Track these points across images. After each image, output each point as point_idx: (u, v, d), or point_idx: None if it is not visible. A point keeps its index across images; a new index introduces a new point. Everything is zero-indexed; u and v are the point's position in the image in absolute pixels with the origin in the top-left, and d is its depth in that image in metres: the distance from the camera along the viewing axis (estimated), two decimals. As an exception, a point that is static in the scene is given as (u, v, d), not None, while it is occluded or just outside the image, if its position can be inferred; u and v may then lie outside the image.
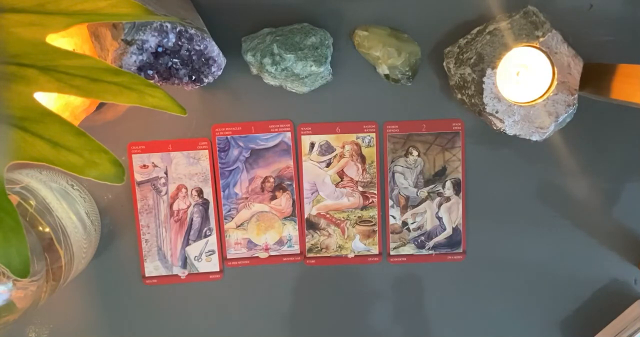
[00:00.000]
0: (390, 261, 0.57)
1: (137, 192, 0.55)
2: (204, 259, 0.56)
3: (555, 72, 0.49)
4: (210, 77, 0.45)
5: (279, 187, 0.56)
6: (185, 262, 0.56)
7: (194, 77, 0.45)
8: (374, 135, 0.56)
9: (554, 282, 0.58)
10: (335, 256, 0.57)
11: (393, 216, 0.57)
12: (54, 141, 0.32)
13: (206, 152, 0.55)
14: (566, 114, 0.49)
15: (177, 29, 0.42)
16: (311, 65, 0.49)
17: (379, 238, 0.57)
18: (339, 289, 0.58)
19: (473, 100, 0.50)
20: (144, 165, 0.55)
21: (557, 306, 0.58)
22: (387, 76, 0.53)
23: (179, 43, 0.42)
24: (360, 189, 0.56)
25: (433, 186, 0.56)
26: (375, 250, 0.57)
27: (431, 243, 0.57)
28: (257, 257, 0.57)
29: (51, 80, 0.32)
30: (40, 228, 0.45)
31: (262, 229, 0.57)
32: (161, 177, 0.55)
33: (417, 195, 0.57)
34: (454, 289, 0.58)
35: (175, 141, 0.55)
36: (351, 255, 0.57)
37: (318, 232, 0.57)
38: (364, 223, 0.57)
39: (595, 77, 0.49)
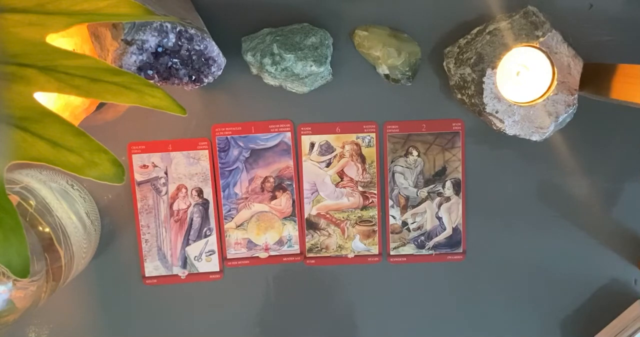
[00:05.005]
0: (390, 261, 0.57)
1: (137, 192, 0.55)
2: (204, 259, 0.56)
3: (555, 72, 0.49)
4: (210, 77, 0.45)
5: (279, 187, 0.56)
6: (185, 262, 0.56)
7: (194, 77, 0.45)
8: (374, 135, 0.56)
9: (554, 282, 0.58)
10: (335, 256, 0.57)
11: (393, 216, 0.57)
12: (54, 141, 0.32)
13: (206, 152, 0.55)
14: (566, 114, 0.49)
15: (177, 29, 0.42)
16: (311, 65, 0.49)
17: (379, 238, 0.57)
18: (339, 289, 0.58)
19: (473, 100, 0.50)
20: (144, 166, 0.55)
21: (557, 306, 0.58)
22: (387, 76, 0.53)
23: (179, 43, 0.42)
24: (360, 189, 0.56)
25: (433, 185, 0.56)
26: (375, 250, 0.57)
27: (431, 243, 0.57)
28: (257, 257, 0.57)
29: (51, 80, 0.32)
30: (40, 228, 0.45)
31: (262, 229, 0.57)
32: (161, 177, 0.55)
33: (417, 195, 0.57)
34: (454, 289, 0.58)
35: (175, 141, 0.55)
36: (351, 255, 0.57)
37: (318, 232, 0.57)
38: (364, 223, 0.57)
39: (595, 77, 0.49)
